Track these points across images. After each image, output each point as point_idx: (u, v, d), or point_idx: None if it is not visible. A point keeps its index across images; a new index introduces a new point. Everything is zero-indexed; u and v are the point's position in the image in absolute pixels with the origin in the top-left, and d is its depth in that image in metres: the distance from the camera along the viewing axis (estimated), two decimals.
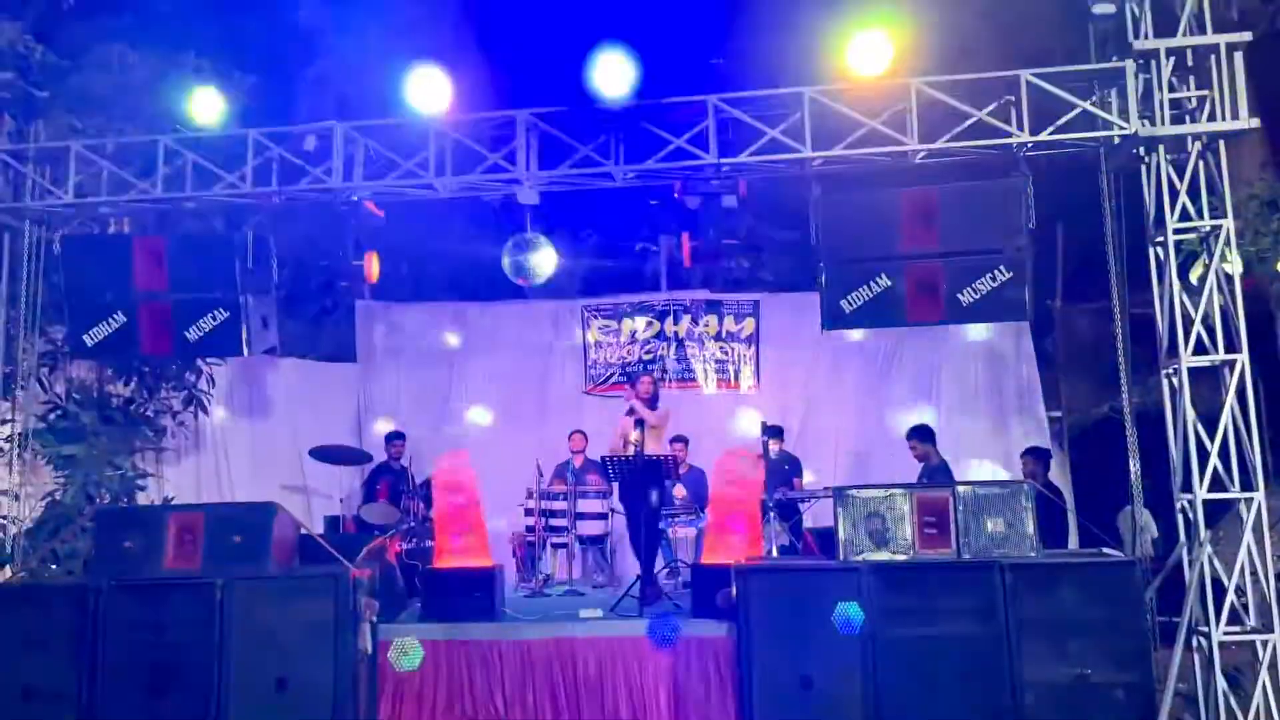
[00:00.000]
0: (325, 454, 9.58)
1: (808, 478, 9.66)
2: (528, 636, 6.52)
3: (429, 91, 6.82)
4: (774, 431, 9.24)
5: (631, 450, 7.78)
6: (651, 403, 8.38)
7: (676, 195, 7.13)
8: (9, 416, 7.58)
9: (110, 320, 7.13)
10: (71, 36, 8.83)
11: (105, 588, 6.06)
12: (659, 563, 8.77)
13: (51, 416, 8.32)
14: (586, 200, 7.84)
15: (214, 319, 7.05)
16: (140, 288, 7.09)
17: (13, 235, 7.52)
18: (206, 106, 7.09)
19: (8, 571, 7.35)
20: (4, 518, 7.55)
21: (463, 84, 6.95)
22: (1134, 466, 6.42)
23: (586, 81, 6.69)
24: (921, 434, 8.63)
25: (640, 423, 8.07)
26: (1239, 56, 6.19)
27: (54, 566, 7.81)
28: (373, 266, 7.84)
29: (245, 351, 7.19)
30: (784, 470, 9.19)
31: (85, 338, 7.20)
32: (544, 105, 6.99)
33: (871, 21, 6.56)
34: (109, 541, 6.31)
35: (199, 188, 7.22)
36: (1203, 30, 6.27)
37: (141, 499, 8.70)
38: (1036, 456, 8.53)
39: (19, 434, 7.56)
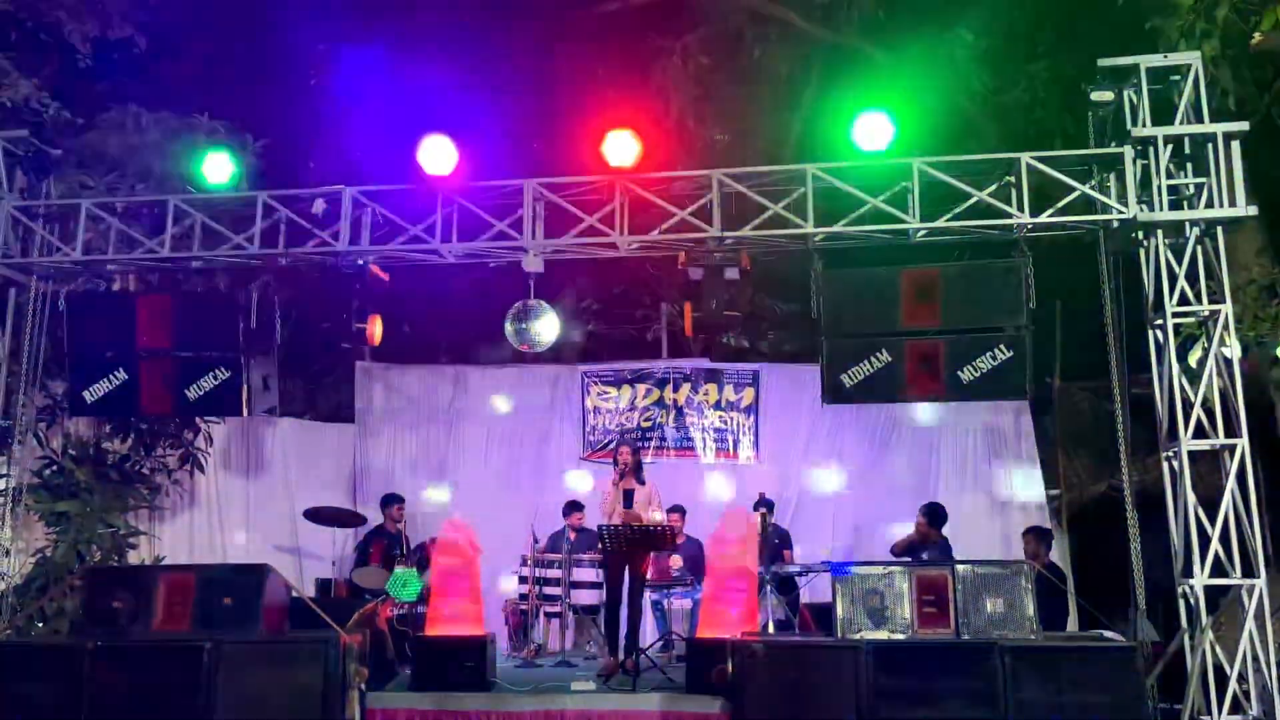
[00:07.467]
0: (319, 516, 9.49)
1: (805, 550, 9.57)
2: (519, 708, 6.41)
3: (437, 158, 6.93)
4: (766, 504, 9.18)
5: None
6: (636, 472, 7.92)
7: (680, 266, 7.18)
8: (4, 471, 7.54)
9: (111, 377, 7.15)
10: (87, 95, 8.98)
11: (92, 649, 5.96)
12: (653, 635, 8.65)
13: (47, 473, 8.28)
14: (590, 268, 7.90)
15: (215, 378, 7.07)
16: (143, 345, 7.13)
17: (18, 290, 7.55)
18: (217, 168, 7.19)
19: None
20: None
21: (470, 152, 7.07)
22: (1134, 547, 6.37)
23: (592, 152, 6.81)
24: (930, 514, 8.52)
25: (628, 494, 7.75)
26: (1236, 145, 6.30)
27: (40, 625, 7.71)
28: (375, 329, 7.84)
29: (245, 411, 7.20)
30: (774, 544, 9.10)
31: (85, 394, 7.21)
32: (550, 175, 7.10)
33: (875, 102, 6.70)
34: (98, 601, 6.23)
35: (206, 248, 7.27)
36: (1200, 119, 6.39)
37: (133, 557, 8.62)
38: (1039, 536, 8.44)
39: (13, 489, 7.51)
